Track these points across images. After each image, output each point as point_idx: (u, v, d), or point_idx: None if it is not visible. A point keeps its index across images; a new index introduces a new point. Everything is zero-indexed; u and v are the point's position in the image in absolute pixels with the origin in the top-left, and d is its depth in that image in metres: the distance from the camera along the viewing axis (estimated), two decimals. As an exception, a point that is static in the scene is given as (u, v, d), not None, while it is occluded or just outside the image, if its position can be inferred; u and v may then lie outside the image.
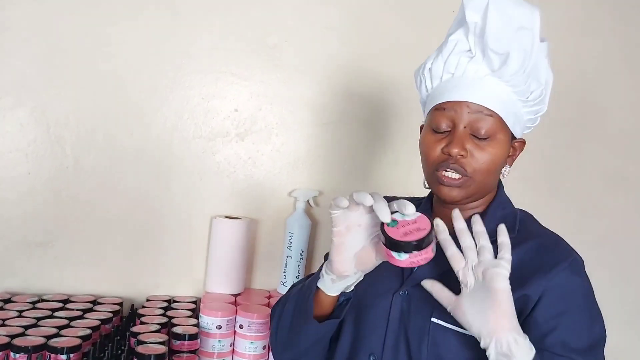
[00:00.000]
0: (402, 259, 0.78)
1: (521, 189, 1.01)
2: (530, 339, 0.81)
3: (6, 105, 1.47)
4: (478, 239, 0.80)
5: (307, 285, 0.93)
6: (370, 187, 1.68)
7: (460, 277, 0.80)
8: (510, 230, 0.88)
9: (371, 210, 0.80)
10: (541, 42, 0.87)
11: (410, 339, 0.89)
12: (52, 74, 1.49)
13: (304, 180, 1.65)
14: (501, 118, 0.88)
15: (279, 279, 1.62)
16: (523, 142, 0.96)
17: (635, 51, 1.86)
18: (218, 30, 1.56)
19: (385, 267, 0.97)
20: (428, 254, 0.79)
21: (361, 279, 0.88)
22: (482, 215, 0.93)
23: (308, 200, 1.62)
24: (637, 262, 1.92)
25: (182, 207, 1.59)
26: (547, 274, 0.85)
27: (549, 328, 0.84)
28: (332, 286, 0.88)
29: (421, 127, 1.01)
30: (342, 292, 0.89)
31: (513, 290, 0.81)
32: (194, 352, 1.30)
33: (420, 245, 0.77)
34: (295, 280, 1.57)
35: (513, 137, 0.93)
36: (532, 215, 0.99)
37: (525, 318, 0.85)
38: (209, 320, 1.41)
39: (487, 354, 0.76)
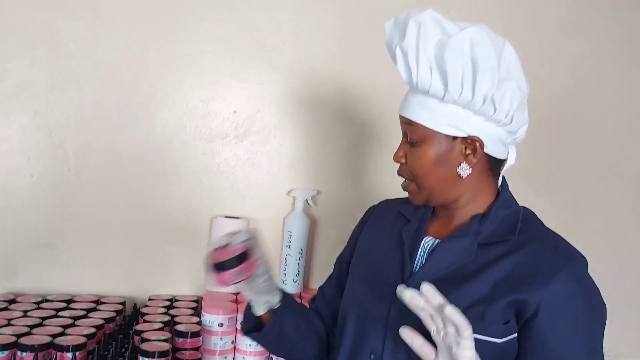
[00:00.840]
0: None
1: (516, 186, 1.03)
2: (529, 344, 0.86)
3: (8, 110, 1.49)
4: (437, 311, 0.80)
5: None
6: (366, 185, 1.71)
7: (433, 339, 0.83)
8: (511, 233, 0.92)
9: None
10: (455, 35, 0.86)
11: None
12: (54, 78, 1.51)
13: (302, 180, 1.67)
14: (423, 127, 0.93)
15: (278, 277, 1.64)
16: (476, 140, 0.92)
17: (628, 49, 1.89)
18: (216, 34, 1.58)
19: (382, 267, 1.00)
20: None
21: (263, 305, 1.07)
22: (485, 215, 0.96)
23: (306, 200, 1.64)
24: (632, 258, 1.94)
25: (183, 208, 1.61)
26: (546, 285, 0.86)
27: (549, 336, 0.86)
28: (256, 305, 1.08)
29: None
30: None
31: (509, 293, 0.85)
32: (196, 349, 1.31)
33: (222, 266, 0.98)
34: (295, 279, 1.61)
35: (455, 137, 0.92)
36: (534, 214, 1.00)
37: (525, 323, 0.87)
38: (210, 318, 1.43)
39: None
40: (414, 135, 0.94)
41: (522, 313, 0.87)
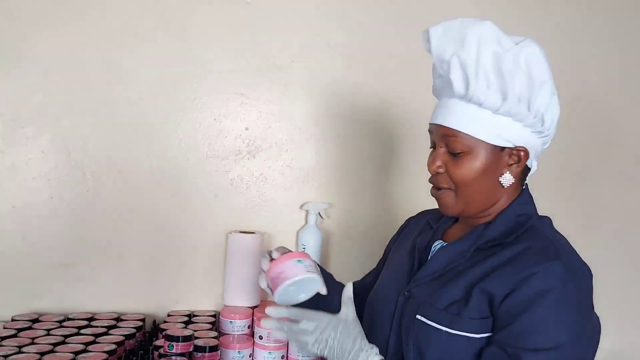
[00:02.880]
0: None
1: (531, 192, 1.04)
2: (491, 337, 0.86)
3: (28, 134, 1.53)
4: None
5: None
6: (378, 197, 1.72)
7: None
8: (509, 236, 0.93)
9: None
10: (513, 47, 0.87)
11: (402, 335, 0.95)
12: (71, 103, 1.54)
13: (314, 194, 1.69)
14: (468, 135, 0.92)
15: (294, 290, 1.65)
16: (521, 150, 0.95)
17: (636, 51, 1.89)
18: (227, 53, 1.61)
19: (396, 270, 1.04)
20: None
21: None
22: (490, 222, 0.98)
23: (319, 213, 1.65)
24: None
25: (199, 224, 1.62)
26: (519, 275, 0.86)
27: (504, 323, 0.86)
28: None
29: None
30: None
31: (480, 283, 0.87)
32: None
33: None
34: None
35: (503, 147, 0.94)
36: (549, 223, 1.00)
37: (493, 316, 0.88)
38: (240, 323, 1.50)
39: None
40: (459, 145, 0.93)
41: (491, 305, 0.88)
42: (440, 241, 1.04)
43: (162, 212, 1.61)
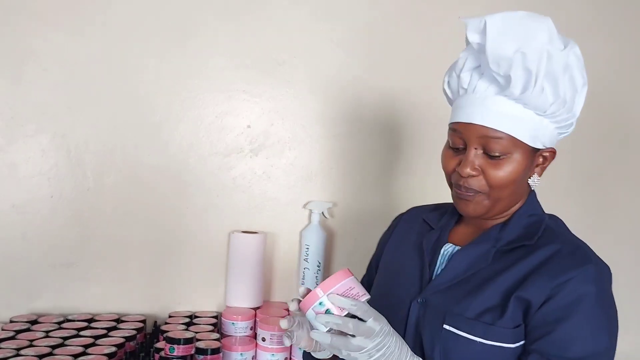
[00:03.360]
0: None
1: (541, 191, 1.01)
2: (526, 343, 0.83)
3: (28, 132, 1.51)
4: None
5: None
6: (382, 195, 1.70)
7: None
8: (529, 239, 0.90)
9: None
10: (564, 49, 0.84)
11: (424, 345, 0.90)
12: (71, 100, 1.52)
13: (318, 193, 1.66)
14: (511, 137, 0.86)
15: (297, 291, 1.62)
16: (553, 152, 0.93)
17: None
18: (228, 50, 1.59)
19: (403, 275, 1.00)
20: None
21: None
22: (505, 223, 0.94)
23: (323, 212, 1.63)
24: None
25: (201, 224, 1.61)
26: (555, 280, 0.84)
27: (544, 332, 0.83)
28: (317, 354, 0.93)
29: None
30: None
31: (515, 290, 0.84)
32: None
33: None
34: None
35: (536, 149, 0.91)
36: (562, 222, 0.98)
37: (529, 321, 0.85)
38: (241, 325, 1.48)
39: None
40: (500, 147, 0.87)
41: (527, 312, 0.85)
42: (450, 244, 0.98)
43: (163, 211, 1.59)
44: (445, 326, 0.88)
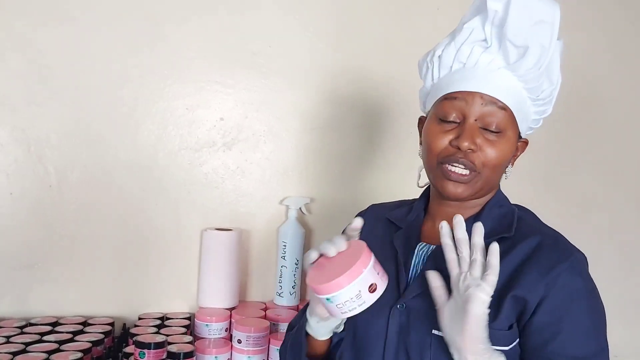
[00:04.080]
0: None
1: (519, 184, 0.98)
2: (530, 345, 0.81)
3: (-16, 126, 1.43)
4: (474, 250, 0.78)
5: (298, 330, 0.93)
6: (361, 192, 1.67)
7: (453, 281, 0.80)
8: (507, 230, 0.87)
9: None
10: (558, 39, 0.85)
11: (410, 353, 0.86)
12: (32, 91, 1.45)
13: (295, 188, 1.63)
14: (512, 113, 0.86)
15: (274, 290, 1.58)
16: (526, 143, 0.94)
17: (628, 44, 1.86)
18: (199, 38, 1.54)
19: None
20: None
21: (344, 321, 0.88)
22: (479, 214, 0.91)
23: (300, 208, 1.60)
24: (636, 256, 1.90)
25: (171, 221, 1.56)
26: (546, 277, 0.82)
27: (549, 335, 0.81)
28: (318, 329, 0.88)
29: (420, 120, 0.99)
30: (333, 336, 0.89)
31: (509, 290, 0.81)
32: None
33: None
34: (291, 291, 1.55)
35: (519, 136, 0.91)
36: (531, 212, 0.96)
37: (526, 322, 0.82)
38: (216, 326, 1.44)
39: None
40: (499, 122, 0.85)
41: (524, 312, 0.82)
42: (424, 244, 0.94)
43: (131, 209, 1.54)
44: (435, 332, 0.84)
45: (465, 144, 0.84)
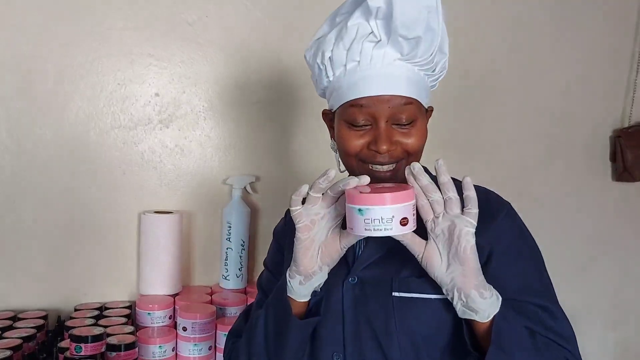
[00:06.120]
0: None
1: (460, 158, 0.97)
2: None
3: None
4: (445, 191, 0.78)
5: (275, 297, 0.90)
6: (308, 168, 1.63)
7: (429, 227, 0.80)
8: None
9: (332, 201, 0.82)
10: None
11: (374, 323, 0.86)
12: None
13: (239, 166, 1.58)
14: (418, 101, 0.88)
15: (220, 273, 1.53)
16: (431, 110, 0.95)
17: (561, 11, 1.88)
18: (129, 7, 1.44)
19: None
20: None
21: (326, 277, 0.86)
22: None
23: (245, 187, 1.55)
24: (573, 224, 1.97)
25: (106, 205, 1.49)
26: (491, 224, 0.85)
27: (506, 277, 0.84)
28: (300, 290, 0.85)
29: (324, 113, 0.99)
30: (311, 298, 0.87)
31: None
32: None
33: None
34: (238, 273, 1.50)
35: (426, 109, 0.94)
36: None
37: (483, 268, 0.83)
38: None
39: (454, 307, 0.79)
40: (408, 115, 0.86)
41: (480, 257, 0.82)
42: None
43: (61, 193, 1.45)
44: (395, 293, 0.85)
45: (384, 147, 0.85)
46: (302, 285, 0.85)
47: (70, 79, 1.42)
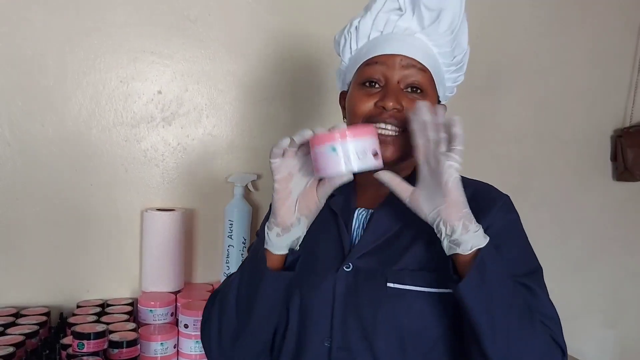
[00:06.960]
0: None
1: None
2: None
3: None
4: (439, 130, 0.80)
5: (253, 251, 0.92)
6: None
7: (420, 165, 0.82)
8: None
9: (308, 153, 0.82)
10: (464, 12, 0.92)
11: (362, 312, 0.86)
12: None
13: (241, 164, 1.58)
14: (431, 75, 0.90)
15: (221, 270, 1.54)
16: (445, 108, 0.93)
17: (566, 11, 1.88)
18: (132, 4, 1.44)
19: (324, 246, 0.94)
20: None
21: (305, 232, 0.86)
22: (410, 175, 0.91)
23: (247, 185, 1.55)
24: (574, 222, 1.98)
25: (109, 202, 1.48)
26: (487, 215, 0.87)
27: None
28: (278, 242, 0.85)
29: (341, 94, 1.01)
30: (288, 254, 0.86)
31: None
32: (134, 359, 1.22)
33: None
34: (239, 271, 1.51)
35: (438, 101, 0.95)
36: None
37: None
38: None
39: (442, 243, 0.79)
40: (424, 83, 0.89)
41: None
42: (363, 209, 0.95)
43: (64, 190, 1.45)
44: (390, 284, 0.85)
45: (390, 104, 0.86)
46: (279, 237, 0.84)
47: (73, 75, 1.42)
